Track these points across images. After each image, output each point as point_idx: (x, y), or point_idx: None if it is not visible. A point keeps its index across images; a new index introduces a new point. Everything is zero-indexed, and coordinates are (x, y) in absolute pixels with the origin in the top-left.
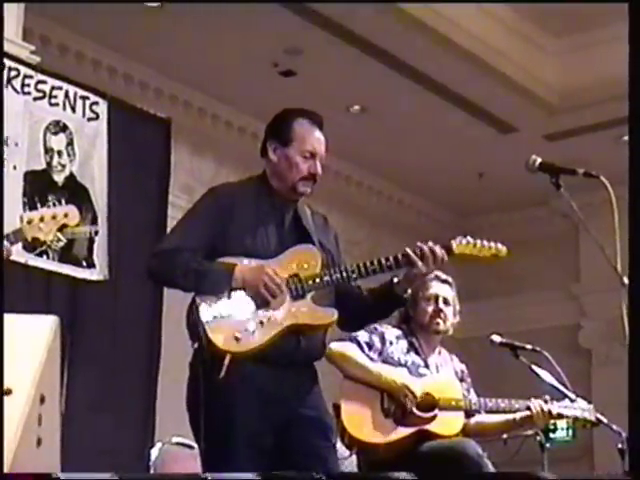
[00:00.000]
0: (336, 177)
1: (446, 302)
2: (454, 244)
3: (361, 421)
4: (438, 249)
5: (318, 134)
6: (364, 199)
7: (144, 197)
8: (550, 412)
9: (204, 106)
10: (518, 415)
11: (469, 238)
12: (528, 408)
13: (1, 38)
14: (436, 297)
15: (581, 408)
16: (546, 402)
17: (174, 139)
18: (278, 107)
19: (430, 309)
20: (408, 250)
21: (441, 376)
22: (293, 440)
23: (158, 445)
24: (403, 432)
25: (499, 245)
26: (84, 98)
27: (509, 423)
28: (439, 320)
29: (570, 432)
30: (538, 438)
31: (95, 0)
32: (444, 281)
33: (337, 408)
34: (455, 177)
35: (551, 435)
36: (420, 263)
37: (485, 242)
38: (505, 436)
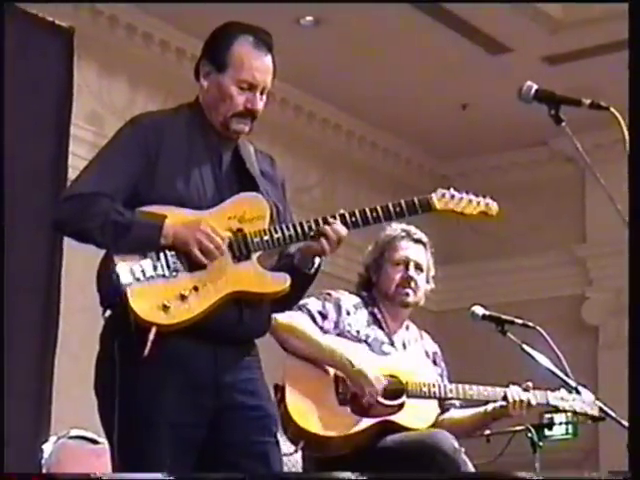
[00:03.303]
0: (282, 106)
1: (418, 267)
2: (434, 198)
3: (310, 409)
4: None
5: (263, 59)
6: (317, 134)
7: (40, 127)
8: (529, 403)
9: (116, 13)
10: (490, 406)
11: (452, 191)
12: (505, 397)
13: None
14: (406, 261)
15: (581, 400)
16: (526, 390)
17: (78, 54)
18: (208, 18)
19: (397, 276)
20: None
21: (409, 355)
22: (228, 433)
23: (53, 439)
24: (363, 424)
25: (489, 201)
26: None
27: (479, 416)
28: (408, 290)
29: (570, 428)
30: (529, 435)
31: None
32: (417, 240)
33: (281, 390)
34: (433, 109)
35: (547, 432)
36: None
37: (472, 196)
38: (487, 432)
